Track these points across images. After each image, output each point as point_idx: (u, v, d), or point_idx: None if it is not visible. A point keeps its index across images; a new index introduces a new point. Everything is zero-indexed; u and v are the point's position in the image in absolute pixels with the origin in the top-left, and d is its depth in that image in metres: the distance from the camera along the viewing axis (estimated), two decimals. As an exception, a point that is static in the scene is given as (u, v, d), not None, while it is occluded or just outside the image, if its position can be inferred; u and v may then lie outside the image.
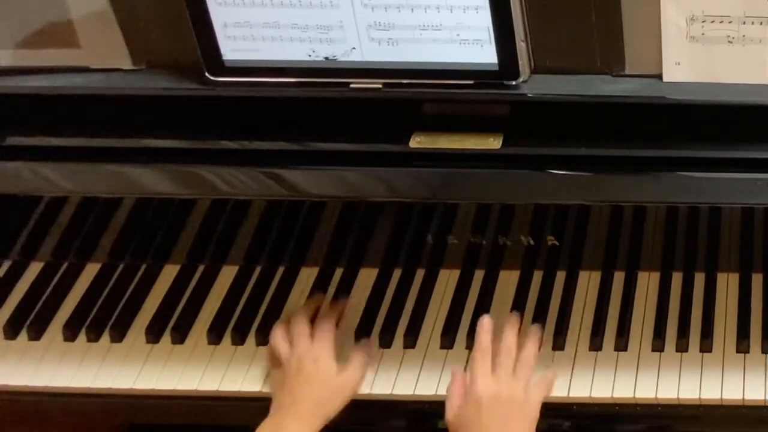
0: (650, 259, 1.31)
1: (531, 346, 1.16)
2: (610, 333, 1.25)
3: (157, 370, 1.22)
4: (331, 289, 1.31)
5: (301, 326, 1.18)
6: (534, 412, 1.11)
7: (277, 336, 1.18)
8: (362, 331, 1.25)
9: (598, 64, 1.02)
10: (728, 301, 1.28)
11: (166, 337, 1.25)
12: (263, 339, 1.25)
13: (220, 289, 1.32)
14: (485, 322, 1.16)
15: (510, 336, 1.16)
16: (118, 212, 1.27)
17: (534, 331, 1.20)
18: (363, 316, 1.28)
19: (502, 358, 1.13)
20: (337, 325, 1.22)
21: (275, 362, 1.18)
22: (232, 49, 1.02)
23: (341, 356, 1.17)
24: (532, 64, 1.02)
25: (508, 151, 1.06)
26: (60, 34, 1.04)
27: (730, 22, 0.99)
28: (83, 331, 1.26)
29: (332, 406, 1.12)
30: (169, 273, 1.33)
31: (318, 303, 1.26)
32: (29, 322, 1.27)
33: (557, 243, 1.28)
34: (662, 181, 1.07)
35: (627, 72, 1.03)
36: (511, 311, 1.27)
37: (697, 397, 1.17)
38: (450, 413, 1.11)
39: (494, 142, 1.06)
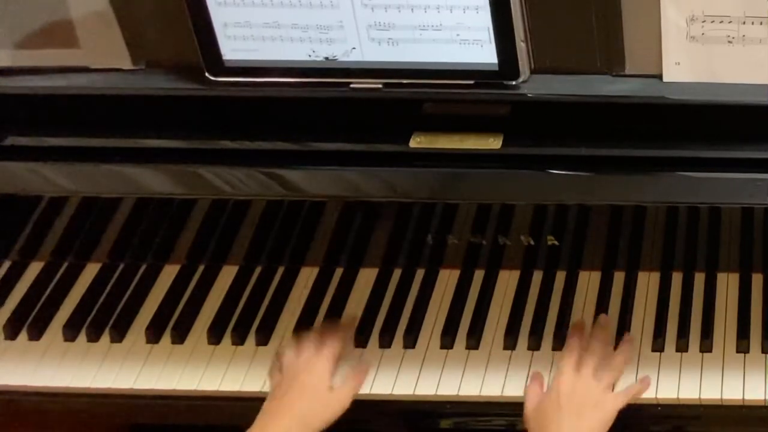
0: (650, 259, 1.31)
1: (623, 353, 1.19)
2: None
3: (157, 370, 1.22)
4: (331, 289, 1.32)
5: (310, 340, 1.20)
6: (608, 415, 1.13)
7: (287, 345, 1.21)
8: (362, 331, 1.25)
9: (598, 64, 1.02)
10: (728, 301, 1.28)
11: (166, 337, 1.25)
12: (263, 339, 1.25)
13: (220, 289, 1.32)
14: (578, 324, 1.21)
15: (598, 337, 1.21)
16: (118, 212, 1.27)
17: (629, 339, 1.22)
18: (363, 316, 1.28)
19: (586, 357, 1.17)
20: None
21: (278, 369, 1.19)
22: (232, 49, 1.02)
23: (339, 374, 1.19)
24: (532, 64, 1.02)
25: (508, 151, 1.06)
26: (60, 34, 1.04)
27: (730, 22, 0.99)
28: (83, 331, 1.26)
29: (318, 420, 1.13)
30: (169, 273, 1.33)
31: (333, 326, 1.26)
32: (29, 322, 1.27)
33: (557, 243, 1.28)
34: (662, 181, 1.07)
35: (627, 72, 1.03)
36: (511, 310, 1.27)
37: (697, 397, 1.17)
38: (529, 407, 1.14)
39: (494, 142, 1.06)
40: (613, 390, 1.17)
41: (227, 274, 1.33)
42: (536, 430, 1.12)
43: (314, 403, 1.13)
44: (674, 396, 1.18)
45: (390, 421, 1.22)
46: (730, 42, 1.00)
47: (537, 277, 1.32)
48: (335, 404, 1.15)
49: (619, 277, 1.31)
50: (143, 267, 1.34)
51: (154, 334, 1.25)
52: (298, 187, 1.09)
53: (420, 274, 1.33)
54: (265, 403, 1.14)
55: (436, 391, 1.19)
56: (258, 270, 1.34)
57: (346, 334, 1.24)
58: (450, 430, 1.23)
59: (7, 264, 1.34)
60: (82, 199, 1.25)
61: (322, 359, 1.17)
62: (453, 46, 1.00)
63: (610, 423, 1.13)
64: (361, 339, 1.25)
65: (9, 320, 1.27)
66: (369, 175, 1.08)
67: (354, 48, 1.01)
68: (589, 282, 1.31)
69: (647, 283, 1.31)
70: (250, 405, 1.20)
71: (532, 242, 1.28)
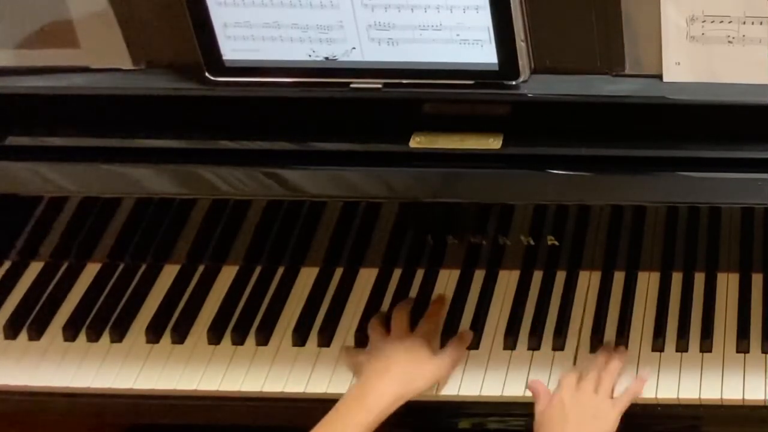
0: (650, 259, 1.31)
1: (615, 363, 1.20)
2: (610, 333, 1.25)
3: (157, 370, 1.22)
4: (331, 290, 1.32)
5: (404, 313, 1.24)
6: (612, 423, 1.15)
7: (374, 323, 1.24)
8: (361, 331, 1.25)
9: (598, 64, 1.02)
10: (728, 301, 1.28)
11: (166, 337, 1.26)
12: (263, 339, 1.25)
13: (220, 289, 1.32)
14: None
15: (597, 359, 1.21)
16: (118, 212, 1.27)
17: (621, 350, 1.23)
18: (363, 316, 1.28)
19: (585, 372, 1.18)
20: None
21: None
22: (232, 49, 1.02)
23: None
24: (532, 64, 1.02)
25: (508, 151, 1.06)
26: (60, 34, 1.04)
27: (730, 22, 0.99)
28: (83, 331, 1.26)
29: (416, 386, 1.15)
30: (169, 273, 1.33)
31: (411, 303, 1.29)
32: (29, 322, 1.27)
33: (557, 243, 1.28)
34: (662, 181, 1.07)
35: (627, 72, 1.03)
36: (511, 310, 1.27)
37: (697, 397, 1.17)
38: (538, 410, 1.16)
39: (494, 142, 1.06)
40: (612, 396, 1.17)
41: (227, 274, 1.33)
42: None
43: (417, 368, 1.16)
44: (674, 396, 1.18)
45: (390, 422, 1.21)
46: (730, 42, 1.00)
47: (537, 277, 1.32)
48: (435, 372, 1.17)
49: (619, 277, 1.31)
50: (143, 267, 1.34)
51: (154, 334, 1.25)
52: (298, 187, 1.09)
53: (420, 274, 1.33)
54: (366, 365, 1.16)
55: (436, 391, 1.19)
56: (258, 270, 1.34)
57: (439, 312, 1.27)
58: (450, 430, 1.23)
59: (7, 264, 1.34)
60: (82, 199, 1.25)
61: (428, 328, 1.22)
62: (453, 46, 1.00)
63: (614, 430, 1.14)
64: (360, 339, 1.25)
65: (9, 320, 1.27)
66: (369, 175, 1.08)
67: (354, 48, 1.01)
68: (589, 282, 1.31)
69: (647, 283, 1.31)
70: (249, 405, 1.21)
71: (532, 242, 1.28)
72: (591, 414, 1.14)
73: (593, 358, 1.21)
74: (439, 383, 1.19)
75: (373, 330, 1.24)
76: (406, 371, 1.15)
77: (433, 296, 1.31)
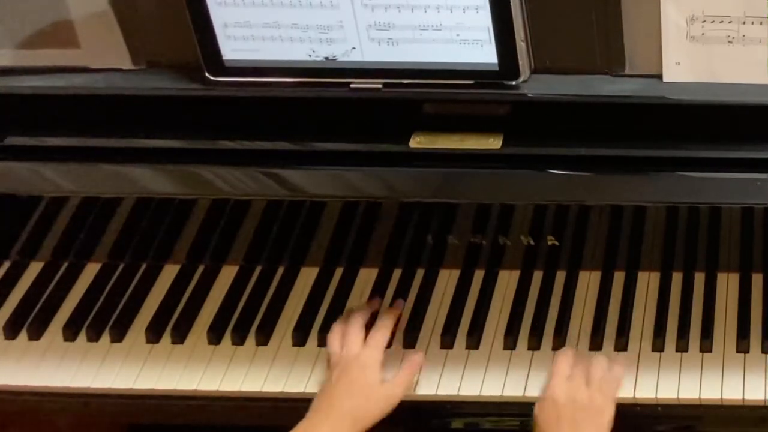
0: (650, 259, 1.31)
1: (602, 358, 1.19)
2: (610, 333, 1.25)
3: (157, 370, 1.22)
4: (331, 289, 1.32)
5: (356, 329, 1.18)
6: (606, 418, 1.13)
7: (334, 335, 1.18)
8: (362, 331, 1.25)
9: (598, 64, 1.02)
10: (728, 301, 1.28)
11: (166, 337, 1.25)
12: (263, 339, 1.25)
13: (220, 289, 1.32)
14: (569, 353, 1.20)
15: (589, 357, 1.20)
16: (118, 212, 1.27)
17: (624, 358, 1.22)
18: (363, 316, 1.28)
19: (577, 366, 1.17)
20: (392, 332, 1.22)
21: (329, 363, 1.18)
22: (232, 49, 1.02)
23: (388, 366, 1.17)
24: (532, 64, 1.02)
25: (508, 151, 1.06)
26: (60, 34, 1.04)
27: (730, 22, 0.99)
28: (83, 331, 1.26)
29: (369, 416, 1.11)
30: (169, 273, 1.33)
31: (376, 306, 1.26)
32: (29, 322, 1.27)
33: (557, 243, 1.28)
34: (662, 181, 1.07)
35: (627, 72, 1.03)
36: (511, 310, 1.27)
37: (697, 397, 1.17)
38: (535, 411, 1.14)
39: (494, 142, 1.06)
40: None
41: (227, 274, 1.33)
42: None
43: (363, 399, 1.11)
44: (674, 396, 1.18)
45: (389, 422, 1.21)
46: (730, 42, 1.00)
47: (537, 277, 1.32)
48: (386, 399, 1.13)
49: (619, 277, 1.31)
50: (143, 267, 1.34)
51: (154, 334, 1.25)
52: (298, 187, 1.09)
53: (420, 274, 1.33)
54: (315, 399, 1.13)
55: (436, 391, 1.19)
56: (258, 270, 1.34)
57: (393, 319, 1.22)
58: (450, 430, 1.23)
59: (7, 264, 1.34)
60: (82, 199, 1.26)
61: (371, 351, 1.15)
62: (453, 46, 1.00)
63: (610, 426, 1.13)
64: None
65: (9, 320, 1.27)
66: (369, 175, 1.08)
67: (354, 48, 1.01)
68: (589, 282, 1.31)
69: (647, 283, 1.31)
70: (249, 405, 1.21)
71: (532, 242, 1.28)
72: (585, 408, 1.13)
73: (583, 357, 1.20)
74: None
75: (332, 341, 1.18)
76: (353, 411, 1.10)
77: (433, 292, 1.30)
